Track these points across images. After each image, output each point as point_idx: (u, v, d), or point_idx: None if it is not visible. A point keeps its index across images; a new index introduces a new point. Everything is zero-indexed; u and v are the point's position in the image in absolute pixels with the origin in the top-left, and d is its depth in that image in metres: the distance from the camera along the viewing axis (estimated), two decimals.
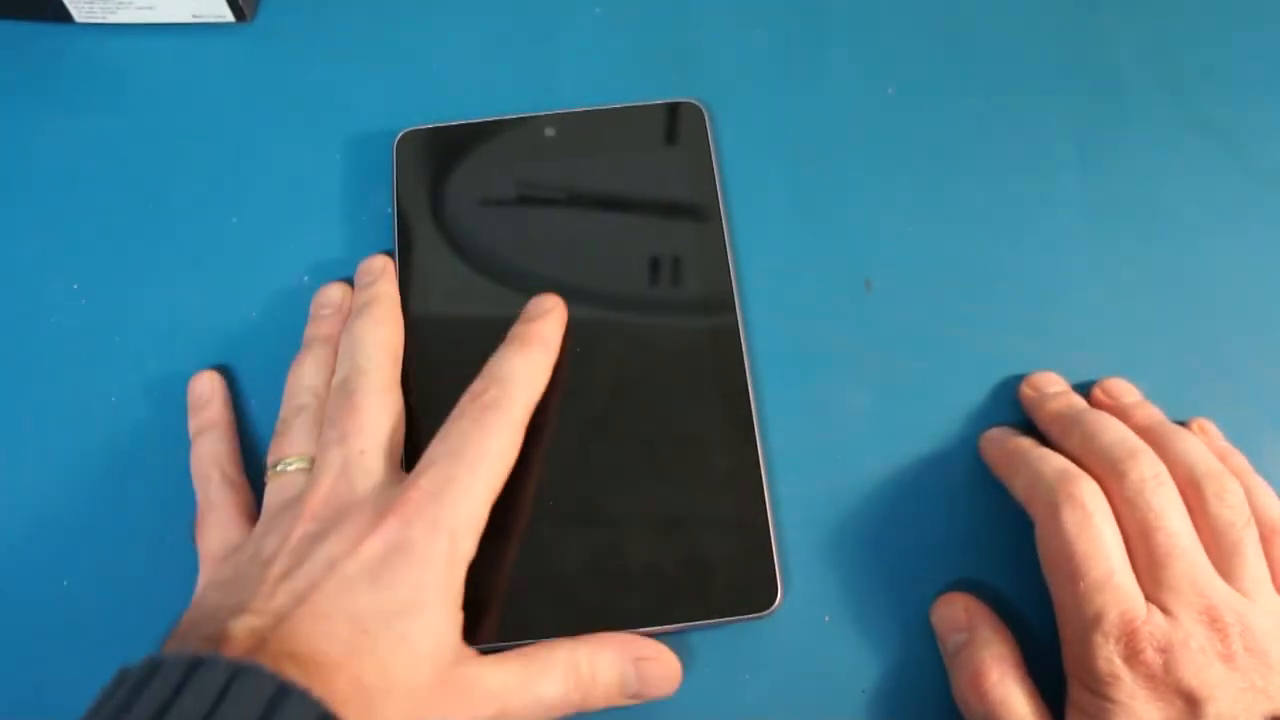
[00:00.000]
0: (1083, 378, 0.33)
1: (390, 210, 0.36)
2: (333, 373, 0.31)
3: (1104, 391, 0.33)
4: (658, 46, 0.39)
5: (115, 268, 0.35)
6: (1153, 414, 0.32)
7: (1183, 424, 0.32)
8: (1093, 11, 0.39)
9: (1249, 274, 0.35)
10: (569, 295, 0.33)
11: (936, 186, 0.36)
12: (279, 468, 0.30)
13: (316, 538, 0.27)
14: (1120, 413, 0.31)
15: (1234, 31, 0.39)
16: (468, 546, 0.27)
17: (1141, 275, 0.35)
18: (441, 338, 0.33)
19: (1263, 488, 0.30)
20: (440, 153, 0.36)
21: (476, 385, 0.30)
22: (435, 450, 0.28)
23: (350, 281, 0.35)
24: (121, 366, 0.34)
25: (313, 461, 0.29)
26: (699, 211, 0.35)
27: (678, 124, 0.36)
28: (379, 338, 0.31)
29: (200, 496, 0.31)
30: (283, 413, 0.31)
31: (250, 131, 0.37)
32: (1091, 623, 0.27)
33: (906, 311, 0.35)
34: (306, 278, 0.35)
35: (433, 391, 0.32)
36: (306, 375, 0.32)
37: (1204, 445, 0.30)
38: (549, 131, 0.36)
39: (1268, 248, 0.35)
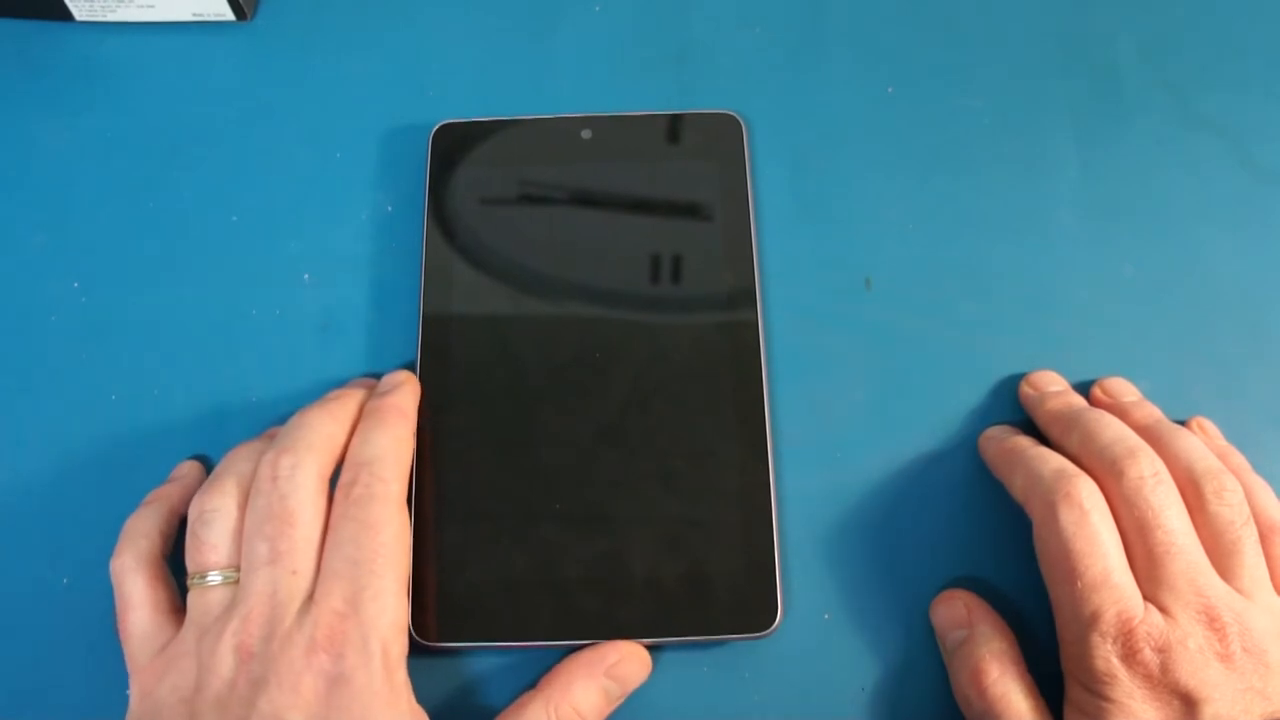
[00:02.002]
0: (1082, 376, 0.34)
1: (389, 208, 0.36)
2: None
3: (1103, 390, 0.33)
4: (657, 47, 0.39)
5: (115, 267, 0.35)
6: (1152, 412, 0.32)
7: (1182, 423, 0.32)
8: (1092, 11, 0.39)
9: (1249, 273, 0.35)
10: (593, 295, 0.34)
11: (936, 186, 0.36)
12: (203, 580, 0.28)
13: (258, 683, 0.26)
14: (1119, 411, 0.32)
15: (1234, 30, 0.39)
16: (400, 648, 0.27)
17: (1141, 274, 0.35)
18: (467, 334, 0.33)
19: (1262, 487, 0.30)
20: (475, 146, 0.36)
21: (345, 475, 0.29)
22: (333, 560, 0.27)
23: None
24: (121, 366, 0.34)
25: (238, 571, 0.28)
26: (728, 224, 0.35)
27: (715, 134, 0.36)
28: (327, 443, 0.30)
29: (117, 583, 0.29)
30: (207, 501, 0.29)
31: (250, 130, 0.37)
32: (1089, 622, 0.27)
33: (906, 311, 0.35)
34: (307, 276, 0.35)
35: (459, 387, 0.32)
36: (242, 462, 0.30)
37: (1203, 444, 0.30)
38: (585, 133, 0.36)
39: (1267, 246, 0.35)
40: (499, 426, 0.32)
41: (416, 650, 0.29)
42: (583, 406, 0.32)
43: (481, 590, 0.30)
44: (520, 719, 0.28)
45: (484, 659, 0.31)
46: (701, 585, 0.30)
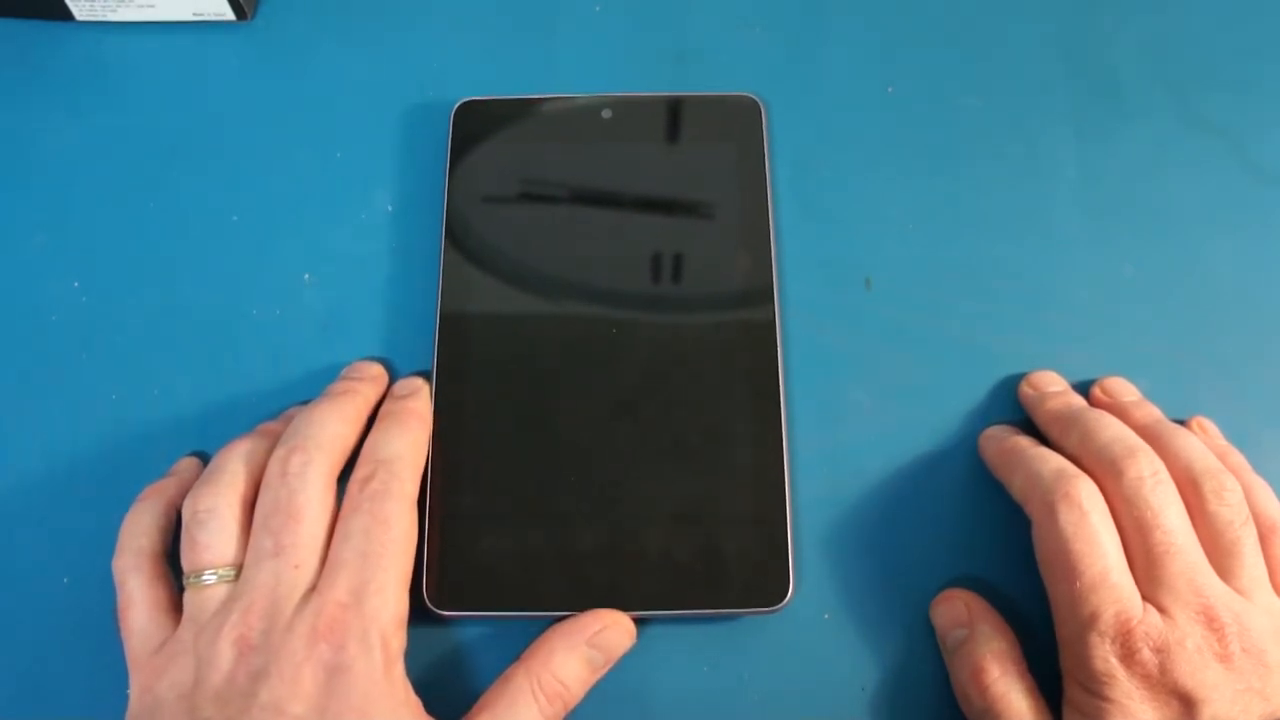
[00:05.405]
0: (1082, 376, 0.34)
1: (389, 208, 0.36)
2: (260, 467, 0.30)
3: (1103, 390, 0.33)
4: (657, 46, 0.39)
5: (115, 267, 0.35)
6: (1151, 412, 0.32)
7: (1182, 422, 0.32)
8: (1092, 11, 0.39)
9: (1249, 273, 0.35)
10: (609, 280, 0.34)
11: (936, 186, 0.36)
12: (199, 579, 0.28)
13: (258, 674, 0.26)
14: (1119, 411, 0.32)
15: (1234, 31, 0.39)
16: (398, 643, 0.28)
17: (1141, 274, 0.35)
18: (485, 312, 0.33)
19: (1261, 486, 0.30)
20: (496, 125, 0.36)
21: (362, 470, 0.29)
22: (342, 551, 0.28)
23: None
24: (121, 366, 0.34)
25: (237, 569, 0.28)
26: (746, 206, 0.35)
27: (734, 116, 0.36)
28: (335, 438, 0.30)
29: (119, 582, 0.29)
30: (200, 501, 0.29)
31: (250, 129, 0.37)
32: (1087, 622, 0.27)
33: (906, 311, 0.35)
34: (308, 275, 0.35)
35: (477, 365, 0.33)
36: (235, 460, 0.30)
37: (1203, 444, 0.30)
38: (606, 114, 0.36)
39: (1267, 247, 0.35)
40: (517, 403, 0.32)
41: (431, 619, 0.30)
42: (601, 389, 0.32)
43: (497, 561, 0.30)
44: (505, 691, 0.28)
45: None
46: (715, 559, 0.30)
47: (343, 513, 0.29)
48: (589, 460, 0.31)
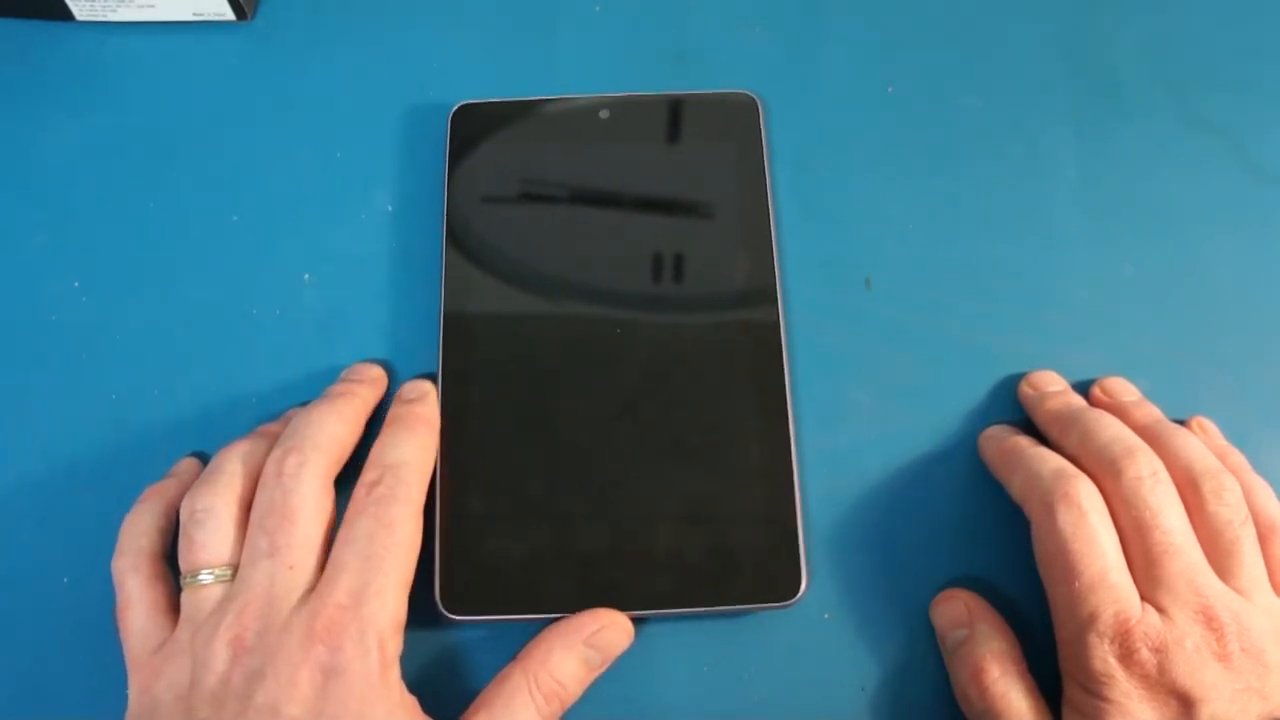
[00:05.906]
0: (1082, 376, 0.34)
1: (389, 208, 0.36)
2: (258, 468, 0.30)
3: (1103, 390, 0.33)
4: (657, 46, 0.39)
5: (115, 267, 0.35)
6: (1151, 412, 0.32)
7: (1182, 422, 0.32)
8: (1092, 11, 0.39)
9: (1248, 273, 0.35)
10: (612, 281, 0.34)
11: (936, 186, 0.36)
12: (195, 578, 0.28)
13: (254, 675, 0.26)
14: (1119, 411, 0.32)
15: (1234, 31, 0.39)
16: (395, 646, 0.28)
17: (1141, 274, 0.35)
18: (488, 315, 0.33)
19: (1261, 486, 0.30)
20: (494, 127, 0.36)
21: (369, 474, 0.29)
22: (344, 554, 0.28)
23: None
24: (122, 366, 0.34)
25: (233, 569, 0.28)
26: (746, 205, 0.35)
27: (732, 115, 0.36)
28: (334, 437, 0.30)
29: (118, 582, 0.29)
30: (198, 500, 0.29)
31: (250, 129, 0.37)
32: (1086, 622, 0.27)
33: (906, 311, 0.35)
34: (307, 275, 0.35)
35: (487, 380, 0.33)
36: (233, 461, 0.30)
37: (1202, 443, 0.30)
38: (604, 114, 0.36)
39: (1267, 247, 0.35)
40: (527, 405, 0.32)
41: (443, 623, 0.30)
42: (606, 390, 0.32)
43: (508, 564, 0.30)
44: (502, 690, 0.28)
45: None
46: (728, 558, 0.30)
47: (347, 516, 0.29)
48: (597, 467, 0.31)
